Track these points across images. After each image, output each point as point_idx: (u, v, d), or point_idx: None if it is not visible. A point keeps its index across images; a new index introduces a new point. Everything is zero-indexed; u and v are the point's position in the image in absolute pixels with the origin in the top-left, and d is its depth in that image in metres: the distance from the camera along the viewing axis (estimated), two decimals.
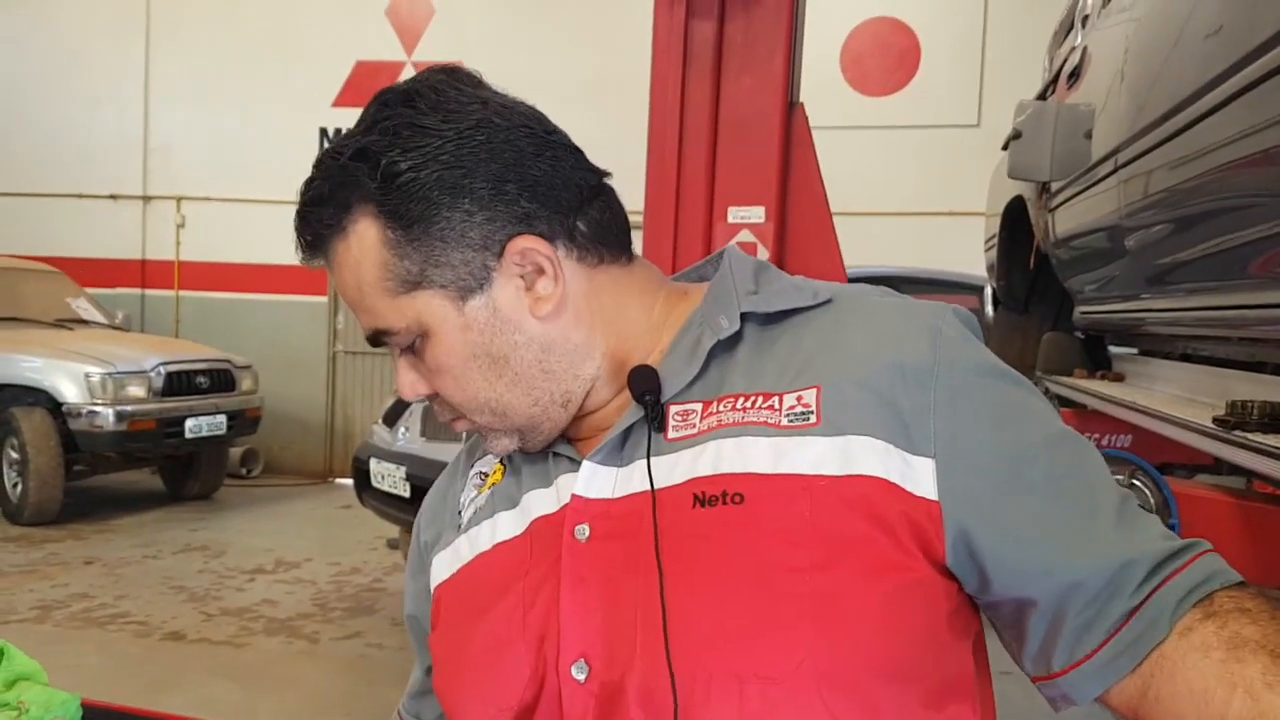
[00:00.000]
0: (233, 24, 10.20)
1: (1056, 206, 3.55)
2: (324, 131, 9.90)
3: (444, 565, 1.06)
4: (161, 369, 7.98)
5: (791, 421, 0.89)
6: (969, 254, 6.03)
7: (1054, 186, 3.57)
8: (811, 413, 0.89)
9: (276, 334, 10.11)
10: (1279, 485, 1.84)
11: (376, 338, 0.99)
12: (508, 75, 1.04)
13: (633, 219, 1.11)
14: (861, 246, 6.39)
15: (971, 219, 6.87)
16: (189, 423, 8.07)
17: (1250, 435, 1.78)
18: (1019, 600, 0.86)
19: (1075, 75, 3.43)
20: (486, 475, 1.09)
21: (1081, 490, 0.87)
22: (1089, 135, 3.02)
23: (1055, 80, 3.80)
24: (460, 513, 1.08)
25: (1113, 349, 3.78)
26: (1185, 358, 2.97)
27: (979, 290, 5.88)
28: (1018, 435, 0.88)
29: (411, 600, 1.14)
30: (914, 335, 0.91)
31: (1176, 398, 2.63)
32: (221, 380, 8.47)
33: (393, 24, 10.01)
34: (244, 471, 9.66)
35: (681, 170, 2.99)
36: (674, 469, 0.91)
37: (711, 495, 0.88)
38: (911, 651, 0.85)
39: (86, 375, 7.68)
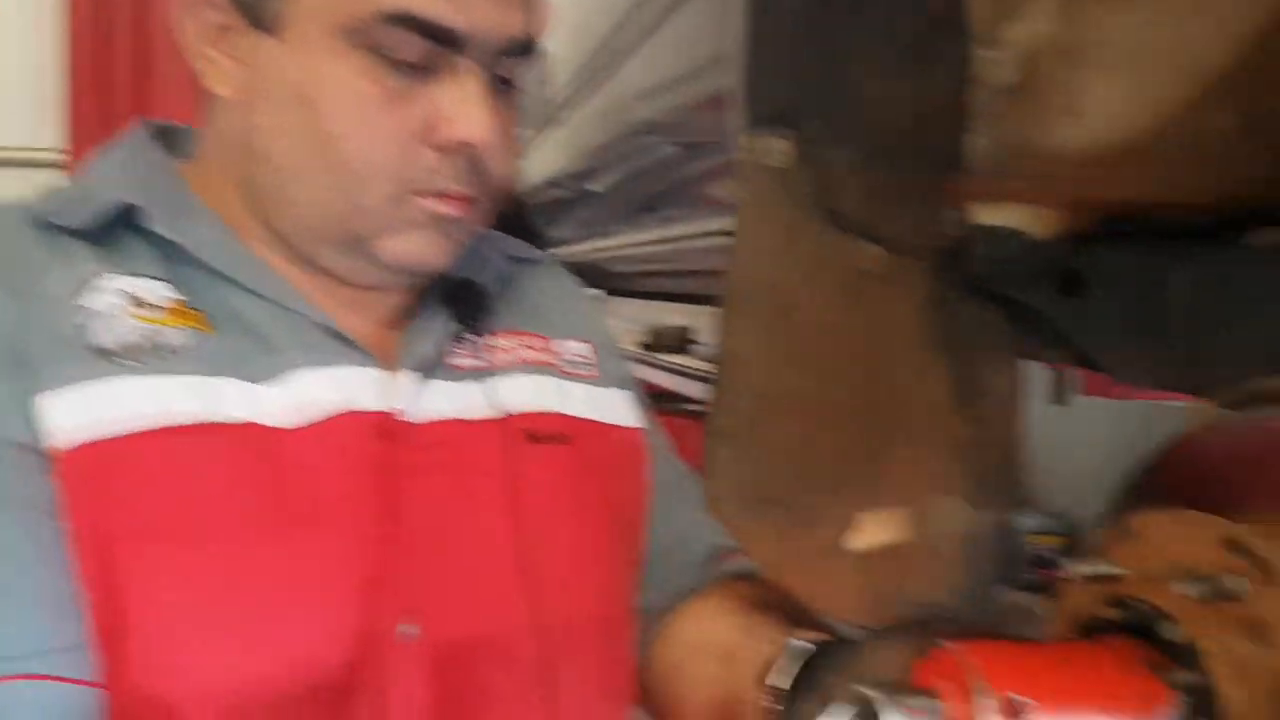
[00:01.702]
0: None
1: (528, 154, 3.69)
2: None
3: (90, 409, 0.76)
4: None
5: (576, 369, 0.93)
6: None
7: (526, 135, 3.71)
8: (591, 364, 0.94)
9: None
10: (688, 402, 2.08)
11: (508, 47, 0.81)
12: None
13: None
14: None
15: None
16: None
17: (662, 356, 1.96)
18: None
19: None
20: (150, 305, 0.83)
21: None
22: (545, 83, 3.15)
23: None
24: (84, 326, 0.79)
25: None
26: (641, 295, 3.22)
27: None
28: None
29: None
30: (595, 304, 1.06)
31: (629, 332, 2.85)
32: None
33: None
34: None
35: None
36: (489, 398, 0.87)
37: (543, 433, 0.88)
38: None
39: None
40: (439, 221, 0.82)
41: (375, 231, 0.81)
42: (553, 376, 0.93)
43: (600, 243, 3.03)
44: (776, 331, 1.37)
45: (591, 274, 3.74)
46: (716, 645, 0.93)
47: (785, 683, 0.86)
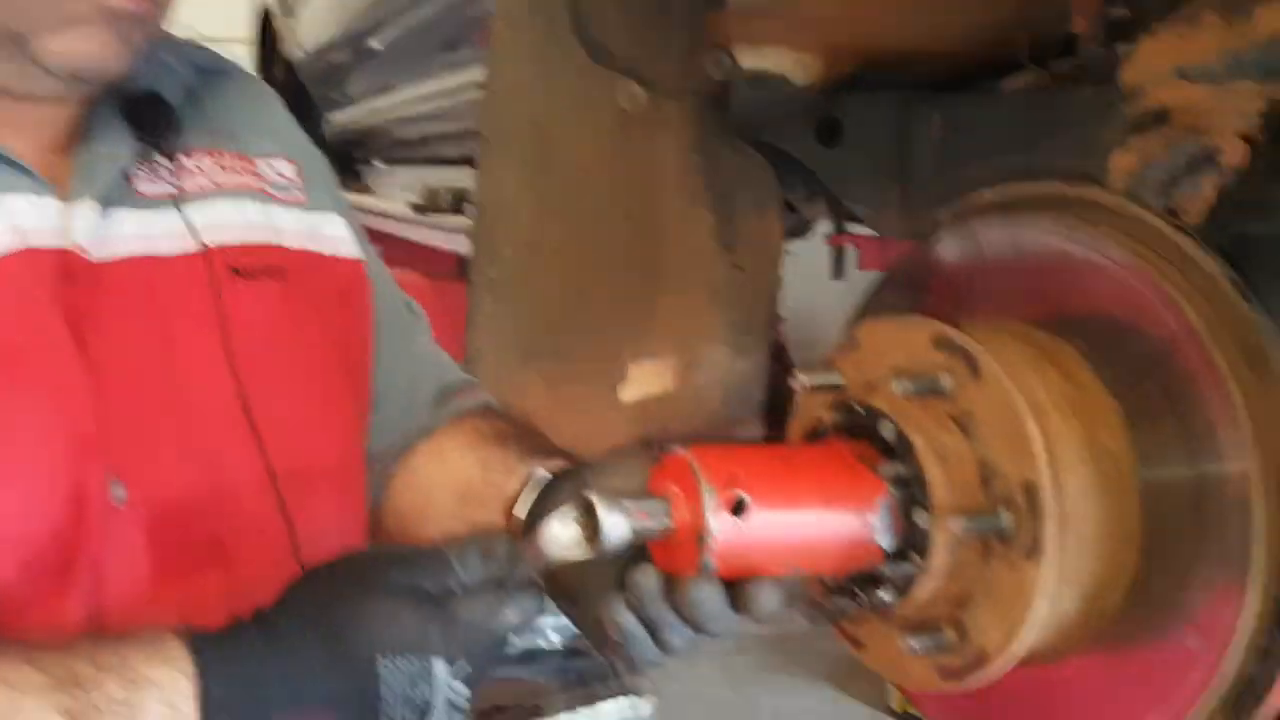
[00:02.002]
0: None
1: (298, 14, 3.47)
2: None
3: None
4: None
5: (282, 192, 0.84)
6: None
7: None
8: (295, 186, 0.85)
9: None
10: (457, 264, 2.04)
11: None
12: None
13: None
14: None
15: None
16: None
17: (441, 217, 1.90)
18: None
19: None
20: None
21: None
22: None
23: None
24: None
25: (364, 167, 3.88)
26: (421, 162, 3.10)
27: None
28: None
29: None
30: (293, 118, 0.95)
31: (408, 200, 2.75)
32: None
33: None
34: None
35: None
36: (186, 229, 0.77)
37: (252, 267, 0.79)
38: None
39: None
40: (110, 17, 0.71)
41: (36, 27, 0.70)
42: (257, 201, 0.82)
43: (380, 102, 2.89)
44: (539, 176, 1.34)
45: (370, 141, 3.59)
46: (455, 483, 0.90)
47: (526, 512, 0.84)
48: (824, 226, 4.03)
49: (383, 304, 0.93)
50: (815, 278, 3.91)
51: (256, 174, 0.85)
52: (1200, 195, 0.91)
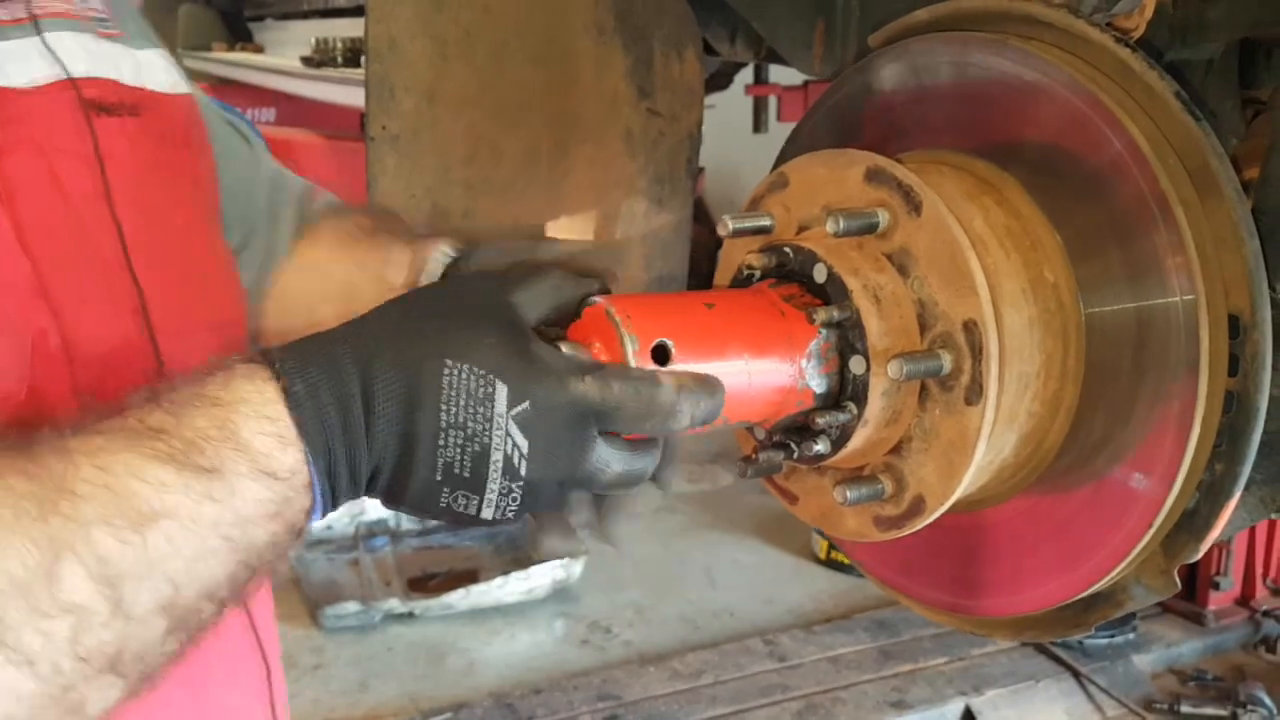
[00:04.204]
0: None
1: None
2: None
3: None
4: None
5: (105, 28, 0.77)
6: None
7: None
8: (108, 20, 0.77)
9: None
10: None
11: None
12: None
13: None
14: None
15: None
16: None
17: (334, 71, 1.77)
18: None
19: None
20: None
21: None
22: None
23: None
24: None
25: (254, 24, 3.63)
26: (318, 15, 2.90)
27: None
28: None
29: None
30: None
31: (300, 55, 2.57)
32: None
33: None
34: None
35: None
36: (48, 59, 0.70)
37: (111, 103, 0.73)
38: None
39: None
40: None
41: None
42: (89, 34, 0.74)
43: None
44: (435, 15, 1.23)
45: None
46: (338, 291, 0.86)
47: None
48: (744, 77, 3.92)
49: (219, 132, 0.87)
50: (736, 131, 3.83)
51: (72, 3, 0.76)
52: (1141, 11, 0.86)
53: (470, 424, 0.62)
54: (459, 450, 0.62)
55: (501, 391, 0.62)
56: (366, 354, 0.61)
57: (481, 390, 0.62)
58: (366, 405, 0.60)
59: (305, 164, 1.97)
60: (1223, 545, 3.11)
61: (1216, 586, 3.16)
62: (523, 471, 0.61)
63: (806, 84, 2.93)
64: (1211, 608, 3.16)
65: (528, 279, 0.66)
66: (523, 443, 0.62)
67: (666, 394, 0.63)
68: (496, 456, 0.62)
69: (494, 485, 0.62)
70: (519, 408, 0.62)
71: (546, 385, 0.62)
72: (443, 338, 0.62)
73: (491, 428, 0.62)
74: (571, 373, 0.63)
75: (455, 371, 0.61)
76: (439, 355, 0.61)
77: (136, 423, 0.56)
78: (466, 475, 0.62)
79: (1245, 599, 3.22)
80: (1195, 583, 3.18)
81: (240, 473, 0.56)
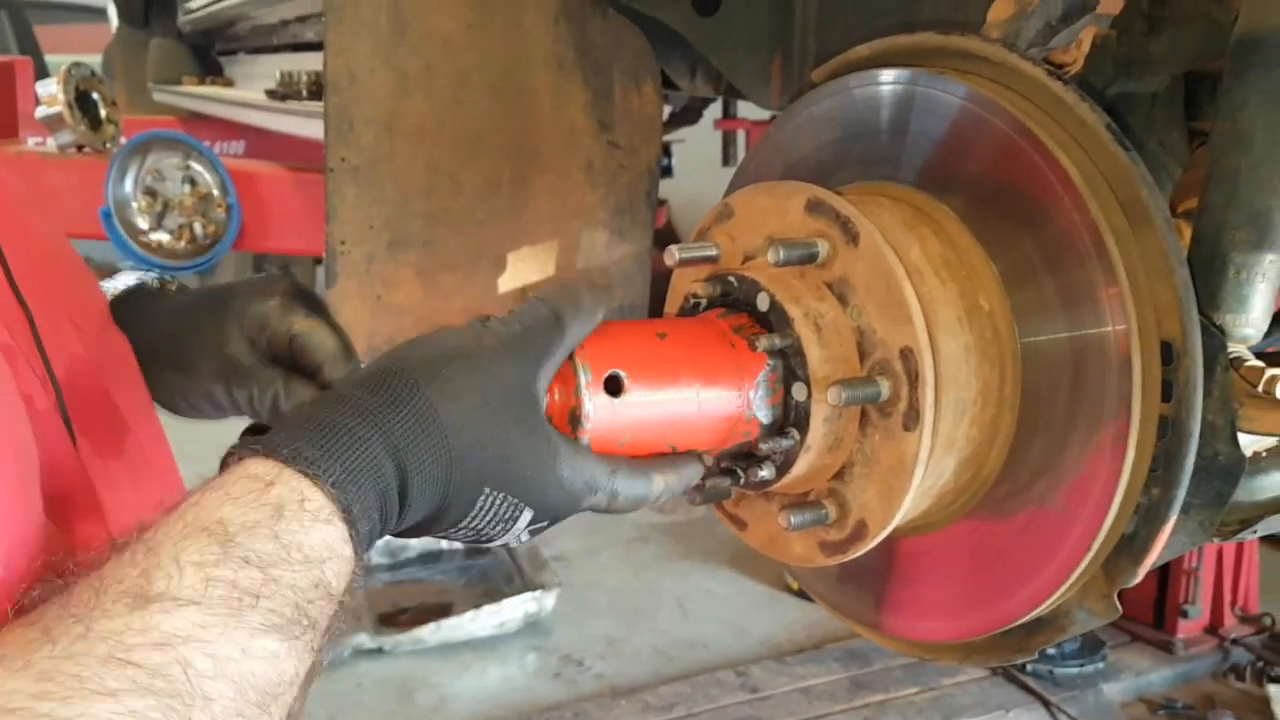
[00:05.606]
0: None
1: None
2: None
3: None
4: None
5: None
6: None
7: None
8: None
9: None
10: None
11: None
12: None
13: None
14: None
15: None
16: None
17: (298, 104, 1.77)
18: None
19: None
20: None
21: None
22: None
23: None
24: None
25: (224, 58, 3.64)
26: (288, 49, 2.91)
27: (103, 11, 5.31)
28: None
29: None
30: None
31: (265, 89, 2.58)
32: None
33: None
34: None
35: None
36: None
37: None
38: None
39: None
40: None
41: None
42: None
43: None
44: (394, 47, 1.24)
45: (226, 29, 3.35)
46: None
47: None
48: (714, 112, 3.96)
49: None
50: (706, 164, 3.86)
51: None
52: (1078, 45, 0.87)
53: (487, 530, 0.69)
54: (468, 535, 0.69)
55: (526, 516, 0.69)
56: (403, 464, 0.63)
57: (509, 513, 0.68)
58: (402, 500, 0.64)
59: (271, 196, 1.97)
60: (1191, 573, 3.13)
61: (1185, 615, 3.17)
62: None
63: (774, 118, 2.97)
64: (1180, 636, 3.17)
65: (550, 347, 0.68)
66: (526, 537, 0.70)
67: (654, 491, 0.71)
68: (499, 541, 0.70)
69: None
70: (538, 525, 0.70)
71: (566, 506, 0.70)
72: (480, 459, 0.66)
73: (506, 534, 0.69)
74: (589, 493, 0.69)
75: (490, 497, 0.67)
76: (478, 483, 0.66)
77: (228, 589, 0.53)
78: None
79: (1214, 627, 3.23)
80: (1164, 611, 3.19)
81: (329, 613, 0.58)
